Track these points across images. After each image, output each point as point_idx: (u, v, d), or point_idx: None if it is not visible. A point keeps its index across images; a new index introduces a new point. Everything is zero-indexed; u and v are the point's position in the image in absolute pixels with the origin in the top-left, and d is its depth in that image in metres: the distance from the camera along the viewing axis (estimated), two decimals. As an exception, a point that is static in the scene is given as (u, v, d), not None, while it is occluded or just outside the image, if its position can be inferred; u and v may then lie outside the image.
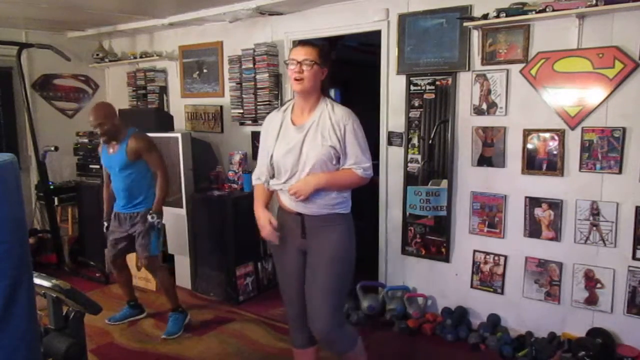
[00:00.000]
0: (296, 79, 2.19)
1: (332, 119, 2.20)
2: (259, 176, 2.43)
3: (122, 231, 3.51)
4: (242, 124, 4.55)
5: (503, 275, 3.39)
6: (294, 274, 2.37)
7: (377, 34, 3.73)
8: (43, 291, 1.92)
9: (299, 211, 2.27)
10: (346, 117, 2.21)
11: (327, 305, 2.24)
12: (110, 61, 5.44)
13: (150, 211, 3.39)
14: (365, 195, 4.72)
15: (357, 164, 2.22)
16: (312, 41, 2.55)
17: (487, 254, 3.44)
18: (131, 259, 3.78)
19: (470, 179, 3.44)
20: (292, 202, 2.27)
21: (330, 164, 2.20)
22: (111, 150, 3.44)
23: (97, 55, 5.44)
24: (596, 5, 2.76)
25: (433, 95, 3.51)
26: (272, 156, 2.27)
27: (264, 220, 2.33)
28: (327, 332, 2.26)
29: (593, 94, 2.93)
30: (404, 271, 3.78)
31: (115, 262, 3.63)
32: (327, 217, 2.26)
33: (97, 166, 4.93)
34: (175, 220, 4.22)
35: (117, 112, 3.49)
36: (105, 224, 3.64)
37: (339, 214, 2.29)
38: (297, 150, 2.20)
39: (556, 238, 3.15)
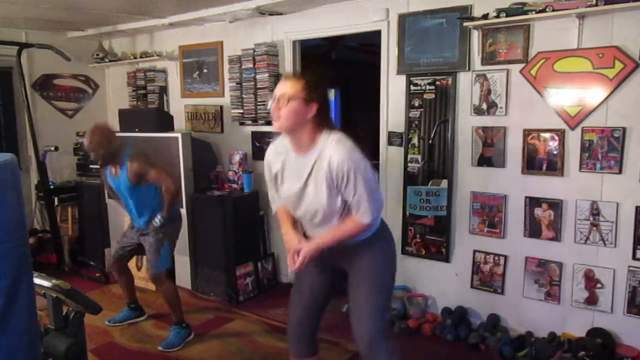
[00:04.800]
0: (274, 117, 2.01)
1: (332, 166, 1.97)
2: (274, 199, 2.30)
3: (131, 237, 3.51)
4: (242, 124, 4.54)
5: (503, 275, 3.39)
6: (310, 281, 2.29)
7: (377, 34, 3.73)
8: (43, 291, 1.92)
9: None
10: (346, 164, 1.95)
11: (372, 320, 2.13)
12: (110, 61, 5.44)
13: (159, 216, 3.32)
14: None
15: (361, 213, 2.03)
16: (300, 74, 2.15)
17: (487, 254, 3.44)
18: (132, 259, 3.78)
19: (470, 179, 3.44)
20: (314, 233, 2.17)
21: (336, 205, 2.06)
22: (113, 172, 3.36)
23: (97, 55, 5.44)
24: (596, 5, 2.76)
25: (433, 95, 3.51)
26: (280, 190, 2.20)
27: (293, 242, 2.16)
28: (370, 343, 2.14)
29: (593, 94, 2.93)
30: (404, 271, 3.78)
31: (117, 262, 3.62)
32: (356, 242, 2.13)
33: (97, 166, 4.93)
34: (175, 220, 4.22)
35: (114, 134, 3.32)
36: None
37: (370, 235, 2.15)
38: (301, 194, 2.09)
39: (556, 238, 3.15)
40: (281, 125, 2.00)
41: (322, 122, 2.02)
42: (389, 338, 2.20)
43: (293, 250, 2.14)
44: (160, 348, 3.33)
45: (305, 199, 2.08)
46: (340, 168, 1.95)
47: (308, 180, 2.05)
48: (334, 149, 1.97)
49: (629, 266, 2.94)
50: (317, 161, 2.01)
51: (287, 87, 1.97)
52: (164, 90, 5.16)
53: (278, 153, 2.17)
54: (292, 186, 2.12)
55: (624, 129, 2.87)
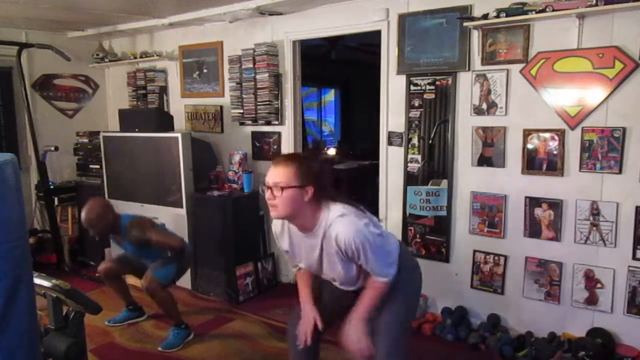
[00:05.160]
0: (270, 205, 1.96)
1: (339, 244, 1.96)
2: (294, 266, 2.30)
3: (138, 260, 3.60)
4: (242, 124, 4.55)
5: (503, 275, 3.39)
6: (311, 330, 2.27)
7: (377, 34, 3.73)
8: (43, 291, 1.92)
9: (350, 290, 2.20)
10: (353, 241, 1.93)
11: (390, 348, 2.12)
12: (110, 61, 5.44)
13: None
14: (365, 195, 4.74)
15: (377, 275, 2.04)
16: (290, 158, 2.02)
17: (487, 254, 3.44)
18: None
19: (470, 179, 3.44)
20: (339, 285, 2.18)
21: (353, 271, 2.09)
22: (118, 239, 3.49)
23: (97, 55, 5.43)
24: (596, 5, 2.76)
25: (433, 95, 3.51)
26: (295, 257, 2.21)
27: (309, 319, 2.19)
28: None
29: (593, 94, 2.93)
30: (404, 271, 3.78)
31: (109, 273, 3.62)
32: None
33: (97, 166, 4.94)
34: (175, 220, 4.22)
35: (111, 207, 3.43)
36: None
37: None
38: (318, 268, 2.11)
39: (556, 238, 3.15)
40: (279, 214, 1.97)
41: (321, 198, 1.99)
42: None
43: (307, 323, 2.17)
44: (160, 348, 3.32)
45: (322, 270, 2.10)
46: (349, 245, 1.94)
47: (321, 257, 2.05)
48: (339, 226, 1.94)
49: (629, 266, 2.94)
50: (324, 239, 2.00)
51: (278, 176, 1.92)
52: (164, 90, 5.16)
53: (282, 233, 2.17)
54: (306, 261, 2.13)
55: (624, 129, 2.87)
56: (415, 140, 3.63)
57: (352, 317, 2.10)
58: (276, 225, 2.19)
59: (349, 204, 2.03)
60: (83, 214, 3.32)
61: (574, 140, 3.03)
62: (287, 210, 1.95)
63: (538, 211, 3.20)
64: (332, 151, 7.74)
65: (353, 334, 2.08)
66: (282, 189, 1.90)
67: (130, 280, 3.94)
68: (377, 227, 2.05)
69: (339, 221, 1.95)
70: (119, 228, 3.38)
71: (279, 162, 1.96)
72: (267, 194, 1.94)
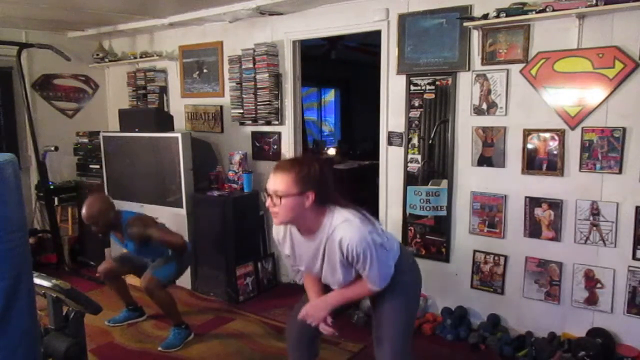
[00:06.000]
0: (271, 212, 1.98)
1: (343, 249, 1.95)
2: (295, 272, 2.30)
3: (140, 259, 3.60)
4: (242, 124, 4.55)
5: (503, 275, 3.39)
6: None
7: (377, 34, 3.73)
8: (43, 291, 1.92)
9: None
10: (357, 246, 1.93)
11: (394, 347, 2.14)
12: (110, 61, 5.44)
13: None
14: (365, 195, 4.74)
15: (371, 282, 2.05)
16: (289, 164, 1.98)
17: (487, 254, 3.44)
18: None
19: (470, 179, 3.44)
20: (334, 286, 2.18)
21: (352, 277, 2.10)
22: (119, 236, 3.46)
23: (97, 55, 5.44)
24: (596, 5, 2.76)
25: (433, 95, 3.51)
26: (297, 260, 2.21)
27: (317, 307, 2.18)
28: None
29: (593, 94, 2.93)
30: (404, 271, 3.78)
31: (109, 273, 3.63)
32: None
33: (97, 166, 4.94)
34: (175, 220, 4.22)
35: (111, 203, 3.41)
36: None
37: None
38: (319, 272, 2.12)
39: (556, 238, 3.15)
40: (281, 221, 1.99)
41: (324, 202, 1.98)
42: None
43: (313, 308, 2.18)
44: (160, 348, 3.32)
45: (323, 274, 2.11)
46: (352, 250, 1.93)
47: (323, 262, 2.06)
48: (343, 231, 1.94)
49: (629, 266, 2.94)
50: (327, 244, 1.99)
51: (278, 184, 1.91)
52: (164, 90, 5.16)
53: (284, 238, 2.16)
54: (307, 266, 2.14)
55: (624, 129, 2.87)
56: (415, 140, 3.63)
57: (323, 297, 2.15)
58: (278, 231, 2.19)
59: (354, 209, 2.03)
60: (84, 210, 3.30)
61: (574, 140, 3.03)
62: (288, 217, 1.96)
63: (538, 211, 3.20)
64: (332, 151, 7.73)
65: (313, 311, 2.13)
66: (281, 197, 1.90)
67: (130, 280, 3.94)
68: (380, 236, 2.04)
69: (344, 226, 1.95)
70: (120, 224, 3.37)
71: (277, 170, 1.95)
72: (268, 202, 1.96)
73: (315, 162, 1.99)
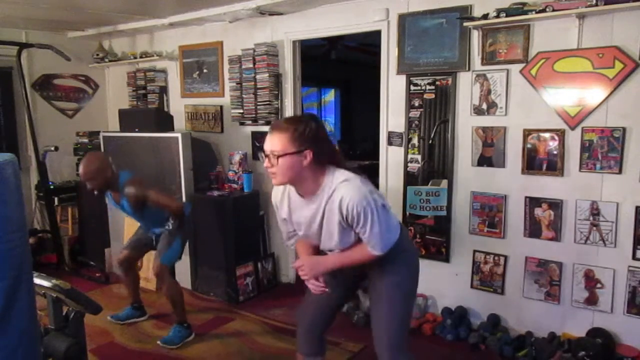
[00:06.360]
0: (269, 173, 1.94)
1: (343, 209, 1.91)
2: (289, 237, 2.24)
3: (143, 235, 3.60)
4: (242, 124, 4.54)
5: (503, 275, 3.39)
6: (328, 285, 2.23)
7: (377, 34, 3.73)
8: (43, 291, 1.92)
9: None
10: (357, 206, 1.88)
11: (391, 338, 2.12)
12: (110, 61, 5.44)
13: (170, 222, 3.38)
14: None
15: (372, 246, 1.99)
16: (285, 123, 1.95)
17: (487, 254, 3.44)
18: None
19: (470, 179, 3.44)
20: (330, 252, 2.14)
21: (351, 240, 2.04)
22: (115, 197, 3.40)
23: (97, 55, 5.44)
24: (596, 5, 2.76)
25: (433, 95, 3.51)
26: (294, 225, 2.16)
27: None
28: (387, 357, 2.13)
29: (593, 94, 2.93)
30: (404, 271, 3.78)
31: (125, 262, 3.64)
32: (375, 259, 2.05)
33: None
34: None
35: (109, 161, 3.32)
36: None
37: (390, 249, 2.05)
38: (316, 236, 2.07)
39: (556, 238, 3.15)
40: (279, 181, 1.95)
41: (322, 162, 1.94)
42: (407, 351, 2.17)
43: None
44: (159, 342, 3.36)
45: (320, 238, 2.07)
46: (352, 210, 1.89)
47: (321, 224, 2.01)
48: (344, 190, 1.90)
49: (629, 266, 2.94)
50: (327, 204, 1.94)
51: (273, 144, 1.88)
52: (164, 90, 5.16)
53: (282, 200, 2.12)
54: (305, 229, 2.09)
55: (624, 129, 2.87)
56: (415, 140, 3.63)
57: (322, 257, 2.10)
58: (276, 193, 2.15)
59: (353, 171, 1.99)
60: (81, 167, 3.21)
61: (574, 140, 3.03)
62: (286, 177, 1.92)
63: (538, 211, 3.20)
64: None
65: (310, 266, 2.09)
66: (278, 157, 1.87)
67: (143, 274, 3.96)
68: (381, 197, 2.00)
69: (344, 185, 1.90)
70: (117, 184, 3.28)
71: (273, 129, 1.91)
72: (266, 162, 1.92)
73: (312, 120, 1.95)
